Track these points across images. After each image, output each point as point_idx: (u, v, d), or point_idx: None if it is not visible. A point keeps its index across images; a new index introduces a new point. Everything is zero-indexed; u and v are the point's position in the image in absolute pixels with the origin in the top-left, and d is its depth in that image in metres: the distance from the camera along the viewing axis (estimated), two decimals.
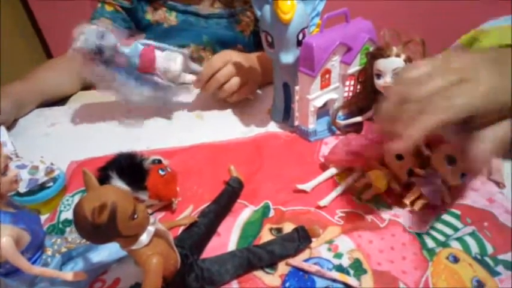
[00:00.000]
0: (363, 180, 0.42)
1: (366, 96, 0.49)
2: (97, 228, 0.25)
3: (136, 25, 0.77)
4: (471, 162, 0.31)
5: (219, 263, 0.35)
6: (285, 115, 0.56)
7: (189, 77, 0.58)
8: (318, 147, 0.51)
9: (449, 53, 0.42)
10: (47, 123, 0.62)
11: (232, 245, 0.38)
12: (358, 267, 0.35)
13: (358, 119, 0.49)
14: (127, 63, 0.53)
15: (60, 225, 0.42)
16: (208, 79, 0.57)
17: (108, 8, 0.74)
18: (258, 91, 0.65)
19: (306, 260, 0.36)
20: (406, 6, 1.24)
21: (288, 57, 0.48)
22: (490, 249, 0.36)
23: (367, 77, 0.48)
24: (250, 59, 0.61)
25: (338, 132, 0.53)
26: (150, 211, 0.42)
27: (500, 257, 0.36)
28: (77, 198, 0.45)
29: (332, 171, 0.46)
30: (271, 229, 0.40)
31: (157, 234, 0.29)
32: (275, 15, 0.44)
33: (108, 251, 0.35)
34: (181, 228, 0.39)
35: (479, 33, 0.42)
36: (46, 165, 0.44)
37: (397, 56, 0.43)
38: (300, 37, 0.46)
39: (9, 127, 0.60)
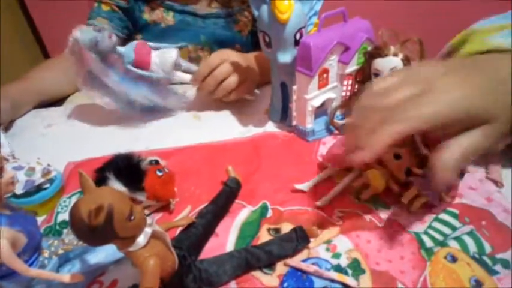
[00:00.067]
0: (361, 180, 0.42)
1: None
2: (93, 230, 0.25)
3: (133, 25, 0.77)
4: (435, 172, 0.31)
5: (217, 263, 0.34)
6: (283, 115, 0.56)
7: (186, 76, 0.58)
8: (316, 147, 0.51)
9: (419, 64, 0.42)
10: (43, 124, 0.62)
11: (230, 246, 0.38)
12: (356, 267, 0.35)
13: None
14: (123, 62, 0.53)
15: (57, 227, 0.41)
16: (206, 77, 0.57)
17: (105, 8, 0.74)
18: (256, 91, 0.65)
19: (304, 260, 0.36)
20: (404, 5, 1.24)
21: (285, 57, 0.48)
22: (488, 248, 0.36)
23: (365, 77, 0.48)
24: (248, 58, 0.61)
25: (336, 131, 0.53)
26: (147, 212, 0.42)
27: (499, 256, 0.36)
28: (74, 200, 0.45)
29: (330, 171, 0.46)
30: (269, 229, 0.40)
31: (154, 235, 0.29)
32: (272, 14, 0.44)
33: (105, 253, 0.35)
34: (179, 229, 0.39)
35: (469, 35, 0.42)
36: (43, 167, 0.44)
37: (395, 55, 0.43)
38: (298, 37, 0.46)
39: (6, 128, 0.60)
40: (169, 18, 0.76)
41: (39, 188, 0.43)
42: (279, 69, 0.51)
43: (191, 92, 0.63)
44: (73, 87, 0.73)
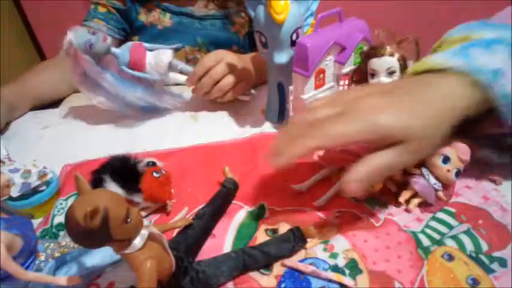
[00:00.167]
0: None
1: None
2: (89, 233, 0.25)
3: (130, 27, 0.77)
4: (342, 183, 0.33)
5: (214, 265, 0.34)
6: (280, 115, 0.56)
7: (181, 78, 0.58)
8: None
9: (351, 88, 0.45)
10: (39, 126, 0.62)
11: (227, 247, 0.38)
12: (353, 267, 0.35)
13: None
14: (117, 63, 0.53)
15: (54, 230, 0.41)
16: (201, 77, 0.57)
17: (101, 10, 0.74)
18: (252, 91, 0.65)
19: (302, 261, 0.36)
20: (400, 5, 1.25)
21: (281, 58, 0.48)
22: (485, 247, 0.36)
23: (361, 77, 0.48)
24: (244, 59, 0.61)
25: None
26: (144, 213, 0.42)
27: (495, 254, 0.36)
28: (70, 202, 0.44)
29: (327, 171, 0.46)
30: (266, 230, 0.40)
31: (151, 237, 0.29)
32: (268, 15, 0.44)
33: (102, 255, 0.35)
34: (176, 231, 0.39)
35: (438, 45, 0.43)
36: (39, 169, 0.44)
37: (391, 55, 0.43)
38: (294, 37, 0.46)
39: (2, 130, 0.60)
40: (166, 19, 0.76)
41: (35, 191, 0.43)
42: (275, 69, 0.51)
43: (187, 93, 0.63)
44: (69, 89, 0.73)
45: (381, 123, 0.32)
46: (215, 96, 0.58)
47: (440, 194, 0.40)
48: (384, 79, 0.43)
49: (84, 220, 0.24)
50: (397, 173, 0.42)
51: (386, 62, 0.43)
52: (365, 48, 0.47)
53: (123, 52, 0.53)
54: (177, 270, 0.32)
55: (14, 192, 0.41)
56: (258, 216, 0.41)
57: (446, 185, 0.40)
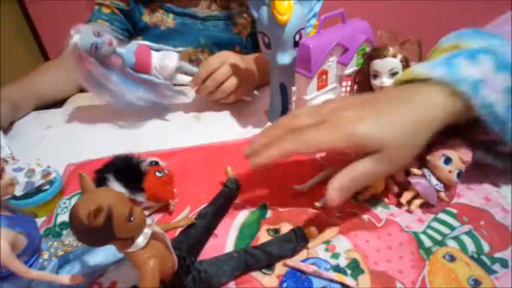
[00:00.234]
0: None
1: None
2: (93, 231, 0.25)
3: (133, 27, 0.77)
4: (326, 193, 0.34)
5: (216, 264, 0.35)
6: (282, 116, 0.56)
7: (186, 78, 0.58)
8: None
9: (332, 98, 0.47)
10: (43, 125, 0.62)
11: (229, 246, 0.38)
12: (355, 267, 0.35)
13: None
14: (123, 63, 0.53)
15: (57, 228, 0.42)
16: (205, 79, 0.57)
17: (105, 10, 0.74)
18: (255, 92, 0.66)
19: (303, 261, 0.36)
20: (403, 6, 1.24)
21: (284, 58, 0.48)
22: (486, 247, 0.36)
23: (364, 78, 0.48)
24: (247, 60, 0.61)
25: None
26: (147, 213, 0.42)
27: (497, 255, 0.36)
28: (74, 201, 0.45)
29: (329, 171, 0.46)
30: (268, 230, 0.40)
31: (154, 236, 0.29)
32: (272, 16, 0.44)
33: (105, 254, 0.35)
34: (178, 230, 0.39)
35: (433, 51, 0.43)
36: (42, 168, 0.44)
37: (394, 56, 0.43)
38: (297, 38, 0.46)
39: (6, 130, 0.60)
40: (169, 20, 0.76)
41: (39, 190, 0.43)
42: (278, 70, 0.51)
43: (191, 93, 0.64)
44: (73, 89, 0.74)
45: (356, 133, 0.33)
46: (218, 97, 0.59)
47: (442, 195, 0.40)
48: (386, 80, 0.43)
49: (88, 218, 0.24)
50: (399, 173, 0.42)
51: (389, 63, 0.43)
52: (368, 49, 0.47)
53: (128, 53, 0.53)
54: (179, 269, 0.32)
55: (18, 191, 0.41)
56: (260, 216, 0.42)
57: (448, 186, 0.40)
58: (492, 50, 0.36)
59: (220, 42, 0.77)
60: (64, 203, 0.44)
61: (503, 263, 0.35)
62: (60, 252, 0.34)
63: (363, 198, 0.42)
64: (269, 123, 0.57)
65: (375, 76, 0.45)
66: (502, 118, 0.35)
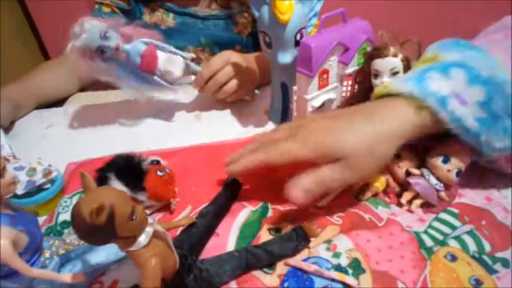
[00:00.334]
0: (361, 181, 0.43)
1: (364, 96, 0.49)
2: (95, 229, 0.25)
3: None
4: (288, 192, 0.36)
5: (217, 263, 0.35)
6: (283, 115, 0.56)
7: (189, 78, 0.58)
8: None
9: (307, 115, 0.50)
10: (44, 124, 0.62)
11: (231, 246, 0.38)
12: (356, 267, 0.35)
13: None
14: (127, 59, 0.53)
15: (58, 227, 0.42)
16: (208, 80, 0.57)
17: (106, 9, 0.74)
18: (256, 91, 0.66)
19: (305, 260, 0.36)
20: (404, 6, 1.24)
21: (285, 58, 0.48)
22: (487, 247, 0.37)
23: (365, 77, 0.48)
24: (248, 59, 0.61)
25: None
26: (148, 212, 0.42)
27: (498, 255, 0.36)
28: (75, 200, 0.45)
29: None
30: (269, 229, 0.40)
31: (156, 235, 0.29)
32: (273, 15, 0.44)
33: (106, 253, 0.35)
34: (179, 229, 0.39)
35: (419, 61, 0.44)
36: (44, 167, 0.44)
37: (395, 55, 0.43)
38: (298, 37, 0.46)
39: (7, 129, 0.60)
40: (169, 20, 0.76)
41: (40, 189, 0.43)
42: (279, 69, 0.51)
43: (192, 92, 0.64)
44: (73, 88, 0.74)
45: (322, 143, 0.36)
46: (220, 97, 0.59)
47: (443, 194, 0.40)
48: (387, 80, 0.43)
49: (90, 217, 0.24)
50: (400, 173, 0.42)
51: (390, 62, 0.43)
52: (368, 49, 0.47)
53: (134, 53, 0.52)
54: (180, 268, 0.32)
55: (19, 190, 0.41)
56: (261, 215, 0.42)
57: (448, 186, 0.40)
58: (465, 64, 0.37)
59: (221, 41, 0.77)
60: (65, 201, 0.44)
61: (505, 263, 0.35)
62: (62, 251, 0.34)
63: (364, 198, 0.42)
64: (270, 123, 0.57)
65: (376, 76, 0.45)
66: (474, 131, 0.35)
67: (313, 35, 0.46)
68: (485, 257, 0.36)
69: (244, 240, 0.39)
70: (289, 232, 0.38)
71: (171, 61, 0.55)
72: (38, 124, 0.62)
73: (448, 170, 0.39)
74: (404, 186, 0.42)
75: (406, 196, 0.41)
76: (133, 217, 0.27)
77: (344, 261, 0.36)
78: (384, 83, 0.44)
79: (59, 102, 0.71)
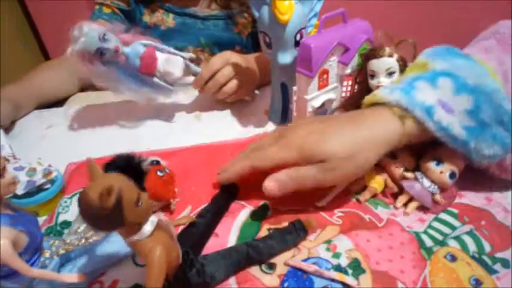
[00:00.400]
0: (361, 182, 0.43)
1: (364, 96, 0.49)
2: (103, 214, 0.25)
3: None
4: (264, 184, 0.38)
5: (218, 258, 0.35)
6: (283, 116, 0.56)
7: (188, 79, 0.58)
8: None
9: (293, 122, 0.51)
10: (44, 124, 0.62)
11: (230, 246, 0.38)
12: (356, 267, 0.35)
13: None
14: (127, 62, 0.53)
15: (58, 227, 0.42)
16: (207, 80, 0.57)
17: (106, 10, 0.74)
18: (256, 91, 0.66)
19: (305, 260, 0.36)
20: (404, 6, 1.24)
21: (285, 58, 0.48)
22: (487, 247, 0.37)
23: (365, 78, 0.48)
24: (248, 60, 0.61)
25: None
26: None
27: (498, 255, 0.36)
28: (75, 200, 0.45)
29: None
30: (269, 229, 0.40)
31: (159, 226, 0.29)
32: (273, 15, 0.44)
33: (106, 253, 0.35)
34: (179, 229, 0.39)
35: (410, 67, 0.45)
36: (44, 167, 0.44)
37: (390, 55, 0.43)
38: (298, 37, 0.47)
39: (7, 129, 0.60)
40: (169, 20, 0.76)
41: (40, 189, 0.43)
42: (279, 70, 0.51)
43: (192, 92, 0.64)
44: (74, 88, 0.74)
45: (304, 146, 0.37)
46: (219, 98, 0.59)
47: (437, 197, 0.40)
48: (383, 80, 0.43)
49: (100, 199, 0.24)
50: (397, 172, 0.42)
51: (385, 62, 0.43)
52: (368, 49, 0.47)
53: (133, 56, 0.52)
54: (183, 263, 0.32)
55: (19, 190, 0.41)
56: (261, 215, 0.42)
57: (443, 188, 0.40)
58: (453, 73, 0.37)
59: (221, 41, 0.77)
60: (65, 202, 0.44)
61: (505, 263, 0.35)
62: (62, 251, 0.34)
63: (364, 199, 0.42)
64: (270, 123, 0.57)
65: (372, 76, 0.45)
66: (462, 139, 0.36)
67: (313, 35, 0.47)
68: (485, 257, 0.36)
69: (243, 240, 0.39)
70: (288, 226, 0.38)
71: (171, 62, 0.55)
72: (38, 124, 0.62)
73: (441, 172, 0.39)
74: (400, 189, 0.42)
75: (401, 200, 0.41)
76: (139, 203, 0.27)
77: (344, 262, 0.36)
78: (380, 83, 0.44)
79: (59, 102, 0.71)
